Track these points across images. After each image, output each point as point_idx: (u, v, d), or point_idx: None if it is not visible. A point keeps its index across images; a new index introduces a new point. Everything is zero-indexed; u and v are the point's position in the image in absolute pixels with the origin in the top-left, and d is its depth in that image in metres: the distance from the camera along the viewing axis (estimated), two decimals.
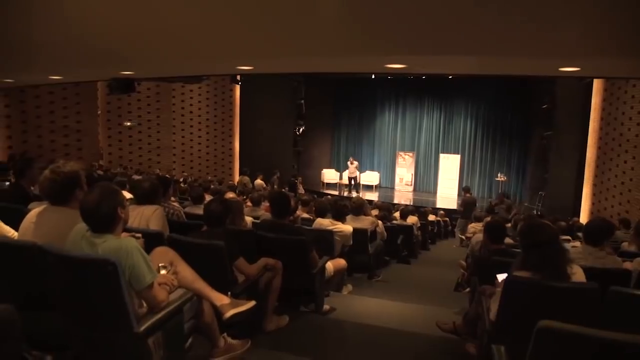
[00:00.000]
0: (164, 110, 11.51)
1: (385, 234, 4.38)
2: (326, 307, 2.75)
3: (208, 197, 4.36)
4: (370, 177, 13.47)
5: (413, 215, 6.32)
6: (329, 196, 8.68)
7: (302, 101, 12.58)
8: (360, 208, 3.97)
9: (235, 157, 12.82)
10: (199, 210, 3.30)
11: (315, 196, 8.25)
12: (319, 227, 3.28)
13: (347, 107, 14.53)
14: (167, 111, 11.59)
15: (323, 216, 3.46)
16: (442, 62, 3.42)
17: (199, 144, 12.44)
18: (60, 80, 6.53)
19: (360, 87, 13.84)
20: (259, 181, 10.01)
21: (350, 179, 11.94)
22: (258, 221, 3.06)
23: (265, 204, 4.92)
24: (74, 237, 1.52)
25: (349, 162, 11.99)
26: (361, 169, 12.88)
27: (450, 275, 4.01)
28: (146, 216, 2.27)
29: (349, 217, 3.80)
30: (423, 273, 4.66)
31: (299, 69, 5.26)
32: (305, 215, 4.17)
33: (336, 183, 13.74)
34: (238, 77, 10.59)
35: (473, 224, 5.45)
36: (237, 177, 11.55)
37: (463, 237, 6.62)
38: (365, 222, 3.91)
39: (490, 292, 1.89)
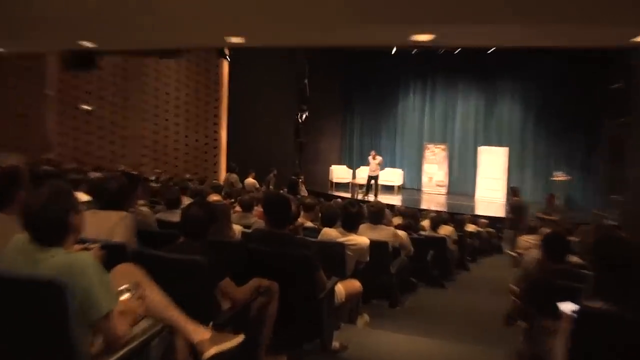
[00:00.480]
0: (132, 91, 11.61)
1: (412, 248, 4.41)
2: (336, 344, 2.73)
3: (186, 201, 4.39)
4: (391, 176, 13.56)
5: (447, 224, 6.33)
6: (339, 199, 8.55)
7: (306, 82, 12.68)
8: (379, 215, 4.03)
9: (222, 150, 12.95)
10: (175, 216, 3.37)
11: (322, 199, 8.33)
12: (327, 239, 3.31)
13: (361, 89, 14.71)
14: (136, 93, 11.69)
15: (331, 225, 3.51)
16: (479, 33, 3.25)
17: (176, 133, 12.56)
18: None
19: (379, 65, 13.95)
20: (250, 180, 10.16)
21: (370, 178, 12.07)
22: (249, 231, 3.11)
23: (259, 208, 5.04)
24: (10, 252, 1.48)
25: (370, 157, 12.04)
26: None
27: (497, 304, 3.86)
28: (109, 225, 2.29)
29: (364, 227, 3.86)
30: (461, 300, 4.62)
31: (303, 42, 5.10)
32: (309, 223, 4.28)
33: (348, 183, 13.83)
34: (226, 51, 10.65)
35: (525, 237, 5.37)
36: (223, 175, 11.69)
37: (513, 253, 6.46)
38: (385, 232, 3.96)
39: (552, 327, 1.85)
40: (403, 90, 14.39)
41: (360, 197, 12.23)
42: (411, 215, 6.19)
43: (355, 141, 15.34)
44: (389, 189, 13.50)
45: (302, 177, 12.07)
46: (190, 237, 2.28)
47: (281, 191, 9.67)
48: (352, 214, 3.37)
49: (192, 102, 12.62)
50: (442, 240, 5.53)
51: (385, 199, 12.07)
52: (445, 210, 10.32)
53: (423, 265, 4.94)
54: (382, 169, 12.52)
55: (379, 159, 11.98)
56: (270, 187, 10.62)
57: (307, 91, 12.88)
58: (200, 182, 9.09)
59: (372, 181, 12.10)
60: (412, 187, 14.14)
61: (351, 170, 14.54)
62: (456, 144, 13.75)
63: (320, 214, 4.40)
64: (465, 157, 13.55)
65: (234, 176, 9.96)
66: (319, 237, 3.39)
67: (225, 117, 13.01)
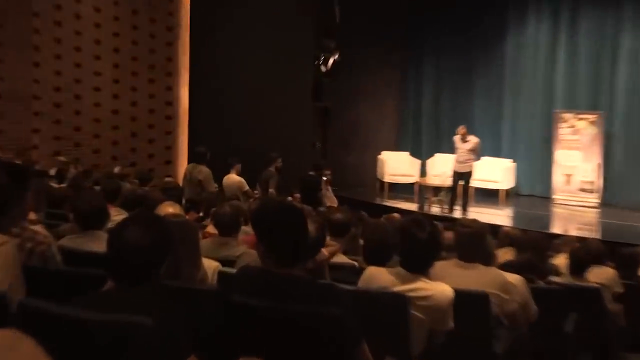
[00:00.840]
0: (12, 22, 11.59)
1: (535, 308, 4.49)
2: None
3: (116, 215, 4.57)
4: (493, 173, 14.23)
5: (603, 264, 6.33)
6: (396, 214, 8.69)
7: (336, 6, 12.93)
8: (474, 245, 4.24)
9: (180, 122, 13.42)
10: (96, 243, 3.59)
11: (364, 214, 8.56)
12: (375, 288, 3.47)
13: (439, 19, 15.35)
14: (19, 25, 11.70)
15: (383, 262, 3.73)
16: None
17: (97, 91, 12.93)
18: None
19: None
20: (233, 178, 10.49)
21: (457, 175, 12.47)
22: (232, 271, 3.33)
23: (248, 230, 5.19)
24: None
25: (456, 138, 12.47)
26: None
27: None
28: None
29: (445, 266, 4.07)
30: None
31: None
32: (340, 257, 4.49)
33: (413, 184, 14.33)
34: None
35: None
36: (182, 169, 11.99)
37: None
38: (485, 278, 4.14)
39: None
40: (516, 19, 14.69)
41: (436, 209, 12.48)
42: (533, 245, 6.19)
43: (426, 110, 15.77)
44: (489, 195, 13.73)
45: (327, 172, 12.29)
46: (125, 281, 2.35)
47: (289, 198, 9.88)
48: (422, 242, 3.51)
49: (125, 36, 12.94)
50: (595, 293, 5.51)
51: (483, 213, 12.23)
52: (598, 236, 10.42)
53: (557, 341, 4.95)
54: (477, 159, 12.66)
55: (472, 141, 12.27)
56: (270, 190, 10.80)
57: (336, 17, 13.12)
58: (141, 179, 9.30)
59: (460, 181, 12.45)
60: (532, 193, 14.37)
61: (418, 162, 14.85)
62: (618, 113, 13.74)
63: (361, 241, 4.65)
64: (636, 139, 13.50)
65: (204, 170, 10.15)
66: (361, 284, 3.58)
67: (186, 66, 13.41)
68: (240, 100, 12.92)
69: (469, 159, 12.20)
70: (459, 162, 12.26)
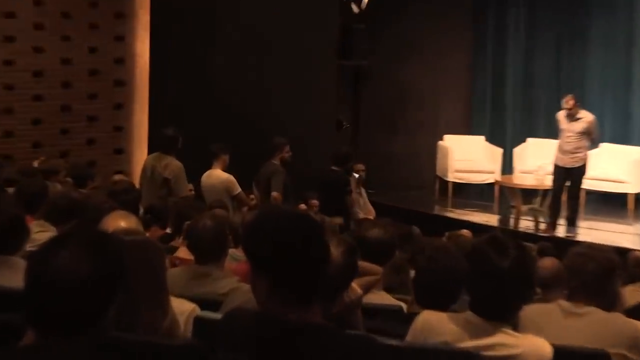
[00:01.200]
0: None
1: None
2: None
3: (40, 231, 4.66)
4: (614, 168, 14.14)
5: None
6: (465, 231, 8.95)
7: None
8: (600, 282, 4.32)
9: (138, 91, 13.34)
10: (8, 274, 3.74)
11: (416, 229, 8.75)
12: (433, 343, 3.52)
13: None
14: None
15: (444, 304, 3.91)
16: None
17: (9, 41, 12.82)
18: None
19: None
20: (218, 175, 10.79)
21: (563, 171, 12.53)
22: (217, 316, 3.38)
23: (239, 255, 5.35)
24: None
25: (560, 115, 12.62)
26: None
27: None
28: None
29: (536, 312, 4.17)
30: None
31: None
32: (380, 295, 4.67)
33: (492, 184, 14.55)
34: None
35: None
36: (140, 162, 12.09)
37: None
38: (602, 328, 4.19)
39: None
40: None
41: (528, 223, 12.69)
42: None
43: (512, 74, 15.81)
44: (612, 202, 13.83)
45: (359, 167, 12.56)
46: (52, 331, 2.33)
47: (303, 206, 10.08)
48: (504, 274, 3.52)
49: None
50: None
51: (601, 230, 12.36)
52: None
53: None
54: (592, 146, 12.70)
55: (585, 119, 12.34)
56: (273, 193, 11.08)
57: None
58: (76, 178, 9.49)
59: (567, 182, 12.52)
60: None
61: (500, 151, 15.02)
62: None
63: (412, 272, 4.79)
64: None
65: (173, 164, 10.38)
66: (411, 336, 3.62)
67: (146, 5, 13.33)
68: (228, 57, 12.95)
69: (580, 148, 12.18)
70: (564, 151, 12.26)
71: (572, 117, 12.12)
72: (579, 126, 12.08)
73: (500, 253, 3.52)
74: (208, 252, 4.92)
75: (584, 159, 12.21)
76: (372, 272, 4.86)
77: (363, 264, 4.59)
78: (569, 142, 12.16)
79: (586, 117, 12.14)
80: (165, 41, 13.18)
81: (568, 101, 12.19)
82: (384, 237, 5.27)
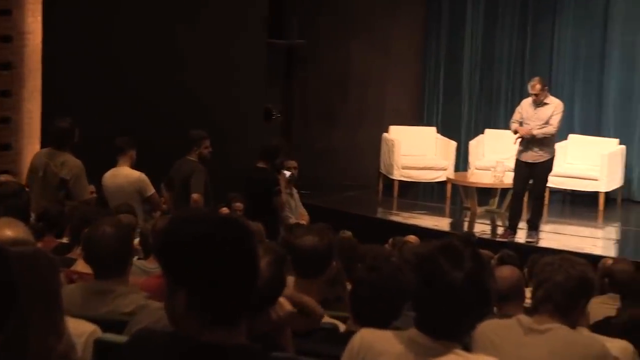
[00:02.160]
0: None
1: None
2: None
3: None
4: (584, 163, 14.99)
5: None
6: (411, 237, 9.49)
7: None
8: (574, 298, 4.61)
9: (28, 75, 13.05)
10: None
11: (349, 234, 9.08)
12: None
13: None
14: None
15: (385, 321, 4.19)
16: None
17: None
18: None
19: None
20: (126, 173, 11.00)
21: (525, 167, 12.93)
22: (122, 339, 3.54)
23: (148, 266, 6.02)
24: None
25: (524, 102, 13.51)
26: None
27: None
28: None
29: (493, 329, 4.47)
30: None
31: None
32: (314, 309, 4.82)
33: (444, 183, 14.91)
34: None
35: None
36: (29, 159, 11.98)
37: None
38: (565, 345, 4.52)
39: None
40: None
41: (484, 227, 13.11)
42: None
43: (467, 55, 16.17)
44: (581, 202, 14.20)
45: (291, 164, 13.05)
46: None
47: (225, 209, 10.44)
48: (456, 286, 3.54)
49: None
50: None
51: (568, 234, 12.91)
52: None
53: None
54: (559, 139, 12.89)
55: (552, 104, 12.33)
56: (193, 195, 11.31)
57: None
58: None
59: (529, 180, 12.98)
60: None
61: (453, 145, 15.40)
62: None
63: (349, 285, 5.20)
64: None
65: (70, 162, 10.41)
66: (347, 358, 3.76)
67: None
68: (137, 33, 12.70)
69: (547, 140, 12.01)
70: (528, 144, 12.13)
71: (538, 104, 12.16)
72: (545, 113, 12.11)
73: (454, 263, 3.53)
74: (109, 264, 4.97)
75: (552, 153, 12.27)
76: (314, 313, 4.88)
77: (309, 301, 4.84)
78: (533, 132, 12.27)
79: (553, 102, 12.22)
80: (61, 15, 12.90)
81: (535, 85, 12.25)
82: (318, 246, 5.25)
